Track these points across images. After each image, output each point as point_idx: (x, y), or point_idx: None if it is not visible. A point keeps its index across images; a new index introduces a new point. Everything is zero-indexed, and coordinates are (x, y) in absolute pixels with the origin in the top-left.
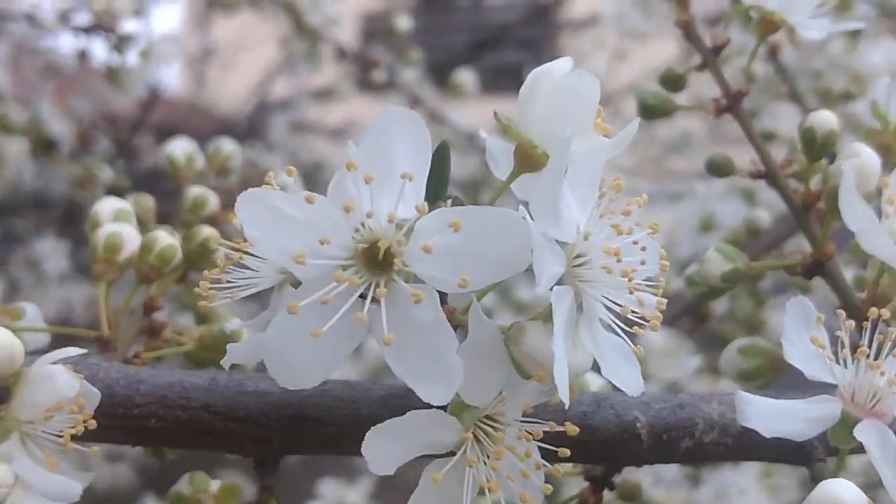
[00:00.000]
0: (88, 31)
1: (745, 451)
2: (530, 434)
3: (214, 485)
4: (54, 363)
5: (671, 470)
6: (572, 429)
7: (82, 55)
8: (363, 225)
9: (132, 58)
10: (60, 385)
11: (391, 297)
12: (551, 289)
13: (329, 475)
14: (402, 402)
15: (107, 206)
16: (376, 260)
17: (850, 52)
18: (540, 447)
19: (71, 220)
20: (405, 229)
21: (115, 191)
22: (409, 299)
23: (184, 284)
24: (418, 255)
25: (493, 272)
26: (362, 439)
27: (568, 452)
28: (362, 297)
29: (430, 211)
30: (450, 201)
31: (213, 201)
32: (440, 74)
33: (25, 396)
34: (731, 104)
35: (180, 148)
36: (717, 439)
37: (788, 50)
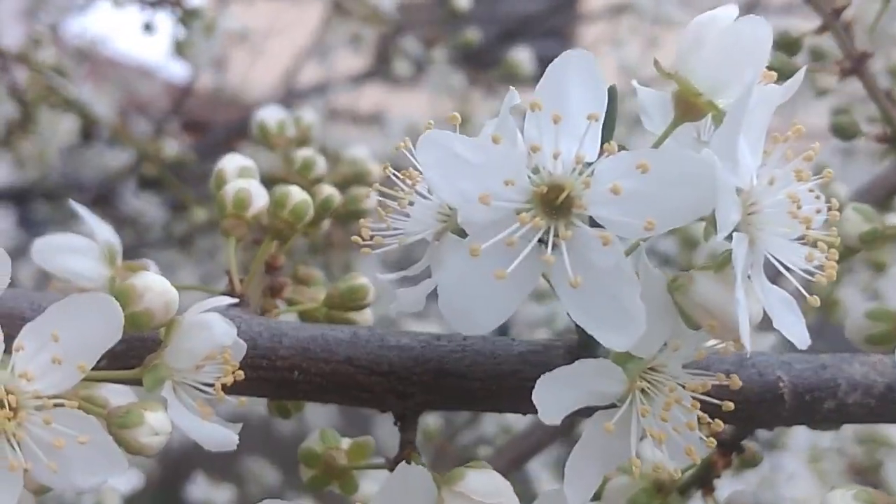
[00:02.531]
0: (155, 4)
1: (887, 411)
2: (697, 387)
3: (345, 442)
4: (209, 312)
5: None
6: (736, 381)
7: (147, 28)
8: (543, 167)
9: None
10: (217, 333)
11: (572, 241)
12: (729, 237)
13: None
14: (543, 357)
15: (232, 163)
16: (553, 204)
17: None
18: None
19: (104, 204)
20: (588, 172)
21: (181, 164)
22: (591, 243)
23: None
24: (604, 197)
25: (678, 216)
26: (503, 393)
27: (732, 406)
28: (541, 242)
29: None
30: (617, 145)
31: (321, 164)
32: (468, 65)
33: (180, 344)
34: (856, 65)
35: (272, 115)
36: (860, 400)
37: None
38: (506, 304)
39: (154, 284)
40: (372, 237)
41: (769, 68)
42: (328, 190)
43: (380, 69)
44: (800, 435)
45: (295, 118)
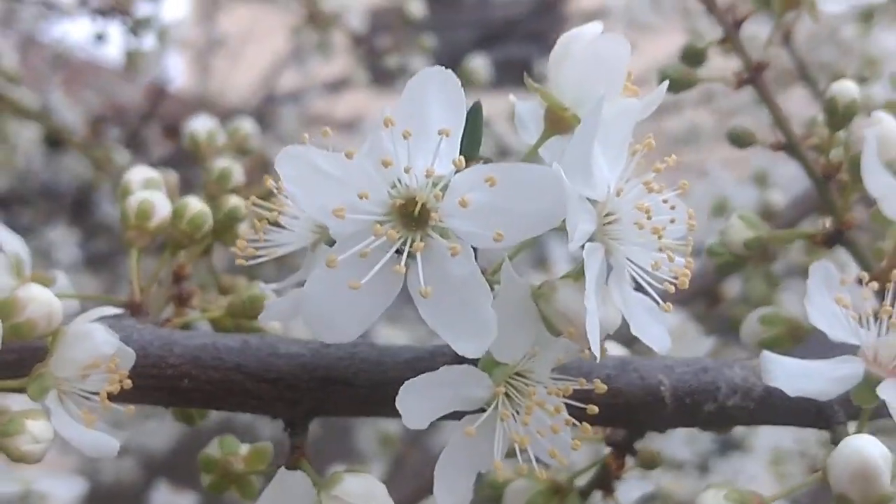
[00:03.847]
0: (105, 14)
1: (767, 414)
2: (560, 391)
3: (244, 448)
4: (92, 322)
5: (680, 456)
6: (600, 386)
7: (99, 38)
8: (399, 181)
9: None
10: (99, 342)
11: (427, 252)
12: (583, 246)
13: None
14: (428, 364)
15: (137, 175)
16: (412, 216)
17: (863, 37)
18: (568, 405)
19: (81, 211)
20: (441, 185)
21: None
22: (445, 253)
23: (208, 258)
24: (454, 210)
25: (527, 228)
26: (389, 401)
27: (596, 409)
28: (398, 252)
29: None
30: (482, 161)
31: (238, 173)
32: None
33: (64, 353)
34: (753, 76)
35: (202, 124)
36: (740, 403)
37: (801, 36)
38: (364, 313)
39: (38, 296)
40: (251, 248)
41: (667, 77)
42: (234, 200)
43: (355, 76)
44: (763, 437)
45: (232, 129)
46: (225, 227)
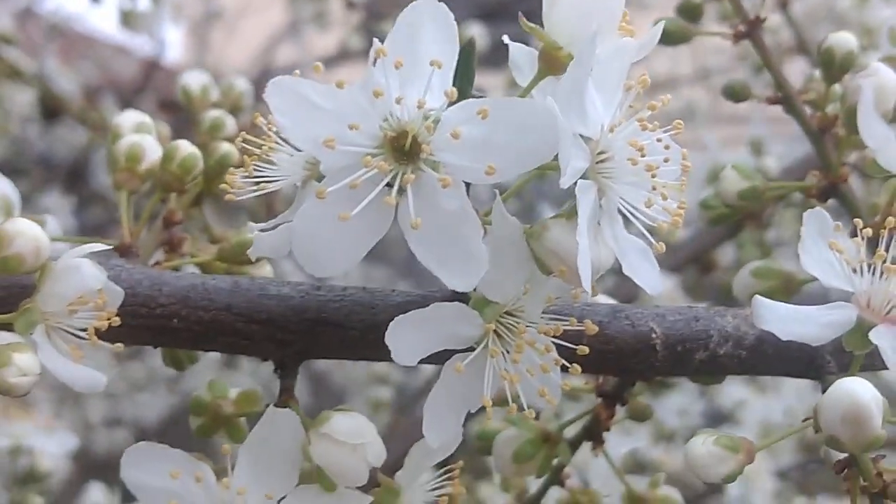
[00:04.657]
0: None
1: (758, 363)
2: (550, 331)
3: (233, 392)
4: (80, 257)
5: (670, 424)
6: (591, 327)
7: (95, 1)
8: (391, 114)
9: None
10: (86, 276)
11: (418, 185)
12: (575, 184)
13: None
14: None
15: (128, 119)
16: (403, 150)
17: (860, 7)
18: (559, 347)
19: (75, 180)
20: (432, 118)
21: None
22: (436, 186)
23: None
24: (446, 143)
25: (519, 163)
26: (380, 344)
27: (587, 350)
28: (389, 186)
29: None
30: (457, 91)
31: (230, 124)
32: None
33: (51, 288)
34: (750, 30)
35: (195, 78)
36: (732, 352)
37: (798, 13)
38: (353, 246)
39: (25, 230)
40: (240, 182)
41: (665, 30)
42: (225, 147)
43: (350, 42)
44: (753, 410)
45: (226, 86)
46: (216, 174)
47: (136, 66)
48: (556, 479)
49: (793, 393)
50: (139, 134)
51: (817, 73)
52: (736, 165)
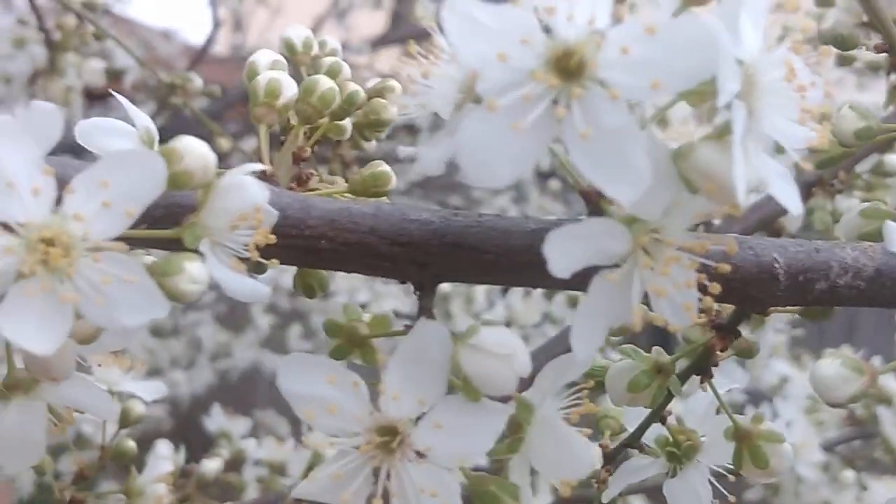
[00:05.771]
0: None
1: (876, 294)
2: (694, 246)
3: (366, 317)
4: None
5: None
6: (731, 246)
7: None
8: (556, 32)
9: None
10: (252, 193)
11: (583, 101)
12: (728, 105)
13: None
14: None
15: (263, 57)
16: (568, 68)
17: None
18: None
19: None
20: (600, 36)
21: (208, 95)
22: (602, 103)
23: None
24: (614, 60)
25: (682, 79)
26: (515, 267)
27: (728, 268)
28: (554, 102)
29: None
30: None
31: (346, 70)
32: None
33: (216, 203)
34: None
35: (297, 33)
36: (851, 282)
37: None
38: (521, 157)
39: (194, 148)
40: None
41: None
42: (353, 86)
43: (395, 32)
44: (798, 386)
45: (320, 41)
46: (343, 112)
47: (178, 51)
48: (659, 415)
49: None
50: (275, 70)
51: None
52: (853, 105)
